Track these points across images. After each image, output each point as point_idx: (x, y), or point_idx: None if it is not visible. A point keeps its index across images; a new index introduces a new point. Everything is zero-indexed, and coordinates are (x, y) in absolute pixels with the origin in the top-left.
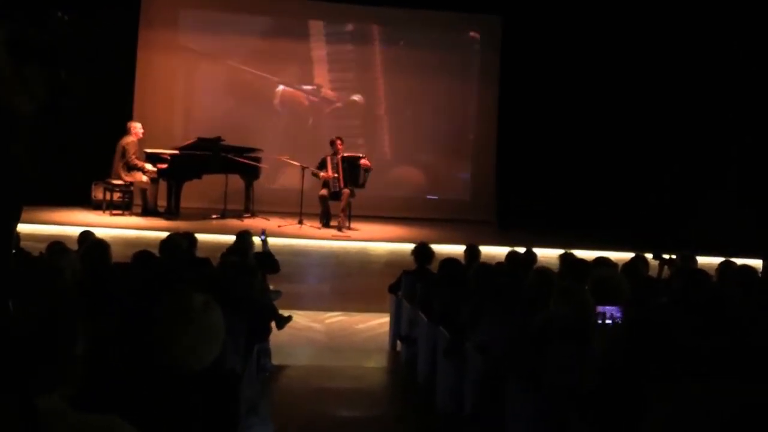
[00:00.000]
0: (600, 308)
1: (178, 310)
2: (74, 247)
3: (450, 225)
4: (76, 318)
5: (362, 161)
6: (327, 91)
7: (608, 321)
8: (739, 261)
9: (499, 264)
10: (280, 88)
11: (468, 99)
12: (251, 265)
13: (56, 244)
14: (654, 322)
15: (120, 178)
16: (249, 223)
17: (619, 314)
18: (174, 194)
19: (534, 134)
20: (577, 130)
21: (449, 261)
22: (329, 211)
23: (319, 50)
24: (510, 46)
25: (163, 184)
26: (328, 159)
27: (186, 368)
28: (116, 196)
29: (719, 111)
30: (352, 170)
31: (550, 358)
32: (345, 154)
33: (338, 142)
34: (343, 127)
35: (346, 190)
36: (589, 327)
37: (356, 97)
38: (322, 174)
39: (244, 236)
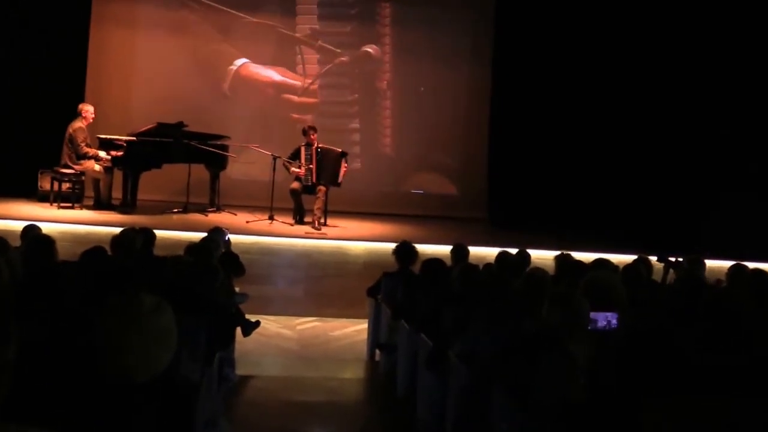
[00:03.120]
0: (593, 314)
1: (124, 312)
2: (17, 243)
3: (436, 222)
4: (6, 320)
5: (344, 167)
6: (300, 74)
7: (601, 326)
8: (751, 265)
9: (487, 265)
10: (238, 64)
11: (458, 83)
12: (214, 265)
13: None
14: (651, 330)
15: (69, 166)
16: (214, 218)
17: (614, 321)
18: (130, 185)
19: (531, 123)
20: (578, 119)
21: (432, 261)
22: (302, 206)
23: (301, 25)
24: (505, 27)
25: (118, 174)
26: (302, 149)
27: (132, 377)
28: (65, 186)
29: (737, 102)
30: (333, 168)
31: (539, 370)
32: (321, 146)
33: (311, 132)
34: (317, 112)
35: (322, 187)
36: (583, 336)
37: (330, 79)
38: (293, 169)
39: (212, 233)
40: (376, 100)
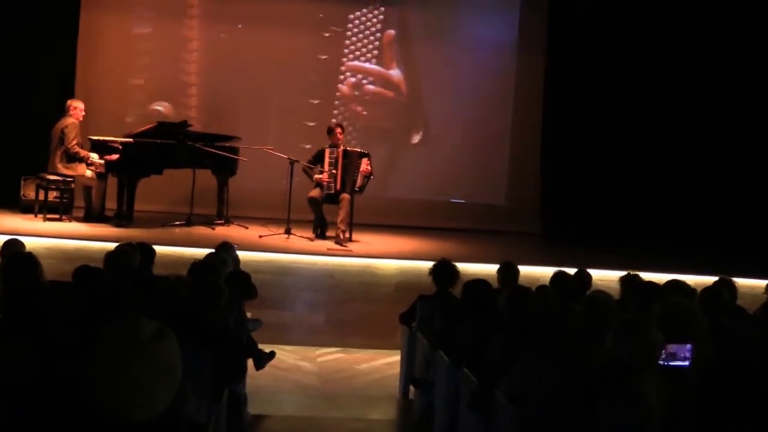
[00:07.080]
0: (669, 347)
1: (120, 342)
2: None
3: (481, 237)
4: None
5: (363, 167)
6: (333, 62)
7: (678, 363)
8: None
9: (541, 288)
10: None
11: (506, 75)
12: (223, 287)
13: None
14: (736, 365)
15: (57, 172)
16: (222, 232)
17: (690, 354)
18: (126, 194)
19: (590, 122)
20: (644, 118)
21: (477, 284)
22: (324, 217)
23: (329, 9)
24: (559, 11)
25: (112, 181)
26: (326, 152)
27: (130, 417)
28: (52, 195)
29: None
30: (355, 173)
31: (604, 413)
32: (348, 148)
33: (338, 130)
34: (343, 110)
35: (346, 195)
36: (656, 372)
37: (367, 65)
38: (316, 175)
39: (220, 250)
40: (409, 96)
